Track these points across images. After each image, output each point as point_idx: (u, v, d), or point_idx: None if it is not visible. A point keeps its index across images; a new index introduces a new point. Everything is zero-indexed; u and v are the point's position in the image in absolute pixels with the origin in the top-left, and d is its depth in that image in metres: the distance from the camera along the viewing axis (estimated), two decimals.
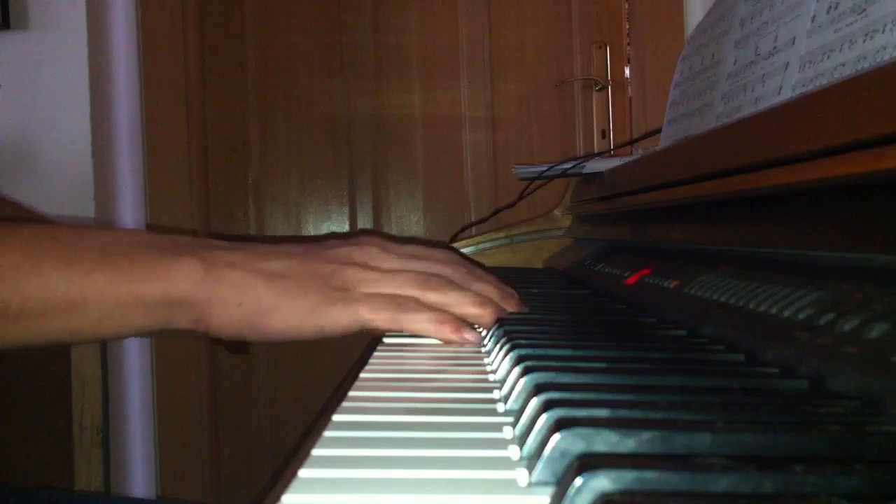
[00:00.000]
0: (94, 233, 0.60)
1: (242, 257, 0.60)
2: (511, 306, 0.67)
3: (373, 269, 0.62)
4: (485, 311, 0.63)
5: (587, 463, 0.26)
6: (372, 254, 0.64)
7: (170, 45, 1.88)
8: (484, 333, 0.62)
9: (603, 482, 0.25)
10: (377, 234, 0.68)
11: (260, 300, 0.58)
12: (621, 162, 1.06)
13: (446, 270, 0.65)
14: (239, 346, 0.67)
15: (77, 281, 0.55)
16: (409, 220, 2.01)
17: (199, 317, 0.58)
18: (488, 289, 0.66)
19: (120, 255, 0.57)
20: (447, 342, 0.60)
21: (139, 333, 0.59)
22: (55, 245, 0.56)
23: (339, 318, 0.59)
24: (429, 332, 0.60)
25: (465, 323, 0.61)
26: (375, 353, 0.56)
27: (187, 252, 0.58)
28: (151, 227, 1.87)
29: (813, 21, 0.68)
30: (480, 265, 0.74)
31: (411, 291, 0.61)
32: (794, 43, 0.71)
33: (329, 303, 0.59)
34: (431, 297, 0.61)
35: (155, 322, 0.58)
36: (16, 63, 1.66)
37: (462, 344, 0.59)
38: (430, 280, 0.62)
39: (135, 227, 1.85)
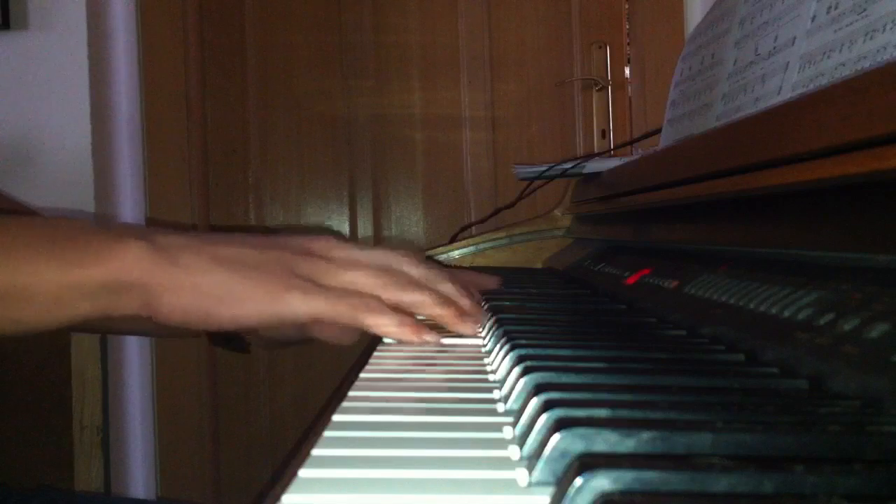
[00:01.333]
0: (38, 221, 0.59)
1: (196, 242, 0.58)
2: (465, 308, 0.64)
3: (331, 260, 0.60)
4: (446, 312, 0.61)
5: (587, 463, 0.26)
6: (331, 246, 0.62)
7: (170, 45, 1.88)
8: (484, 333, 0.62)
9: (603, 482, 0.25)
10: (335, 236, 0.66)
11: (213, 284, 0.56)
12: (621, 162, 1.06)
13: (406, 266, 0.63)
14: (239, 346, 0.66)
15: (20, 268, 0.54)
16: (409, 220, 2.01)
17: (147, 301, 0.55)
18: (450, 289, 0.64)
19: (65, 241, 0.56)
20: (407, 343, 0.59)
21: (86, 321, 0.56)
22: None
23: (297, 306, 0.56)
24: (390, 334, 0.58)
25: (425, 325, 0.60)
26: (375, 353, 0.56)
27: (135, 236, 0.56)
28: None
29: (813, 21, 0.68)
30: (446, 266, 0.73)
31: (372, 288, 0.59)
32: (794, 43, 0.71)
33: (286, 290, 0.56)
34: (394, 295, 0.60)
35: (100, 308, 0.55)
36: (16, 63, 1.67)
37: (421, 344, 0.58)
38: (391, 276, 0.61)
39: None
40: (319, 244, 0.62)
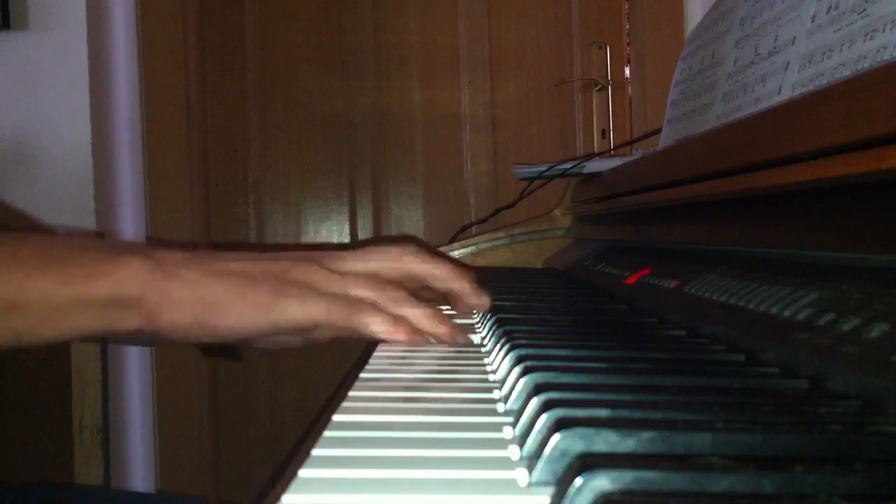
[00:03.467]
0: (36, 237, 0.60)
1: (191, 258, 0.59)
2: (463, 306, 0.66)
3: (326, 268, 0.61)
4: (441, 330, 0.61)
5: (587, 463, 0.26)
6: (325, 255, 0.63)
7: (170, 45, 1.88)
8: (484, 333, 0.62)
9: (603, 482, 0.25)
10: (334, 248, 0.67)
11: (211, 297, 0.57)
12: (621, 162, 1.06)
13: (405, 262, 0.64)
14: (232, 353, 0.66)
15: (18, 283, 0.54)
16: (409, 220, 2.01)
17: (148, 316, 0.56)
18: (449, 278, 0.65)
19: (63, 257, 0.56)
20: (399, 343, 0.59)
21: (87, 335, 0.57)
22: None
23: (293, 312, 0.57)
24: (383, 334, 0.58)
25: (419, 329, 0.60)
26: (375, 353, 0.56)
27: (133, 252, 0.58)
28: (152, 230, 1.87)
29: (813, 21, 0.68)
30: (442, 255, 0.73)
31: (367, 294, 0.60)
32: (794, 43, 0.71)
33: (282, 297, 0.57)
34: (388, 304, 0.60)
35: (102, 323, 0.56)
36: (16, 63, 1.66)
37: (412, 344, 0.59)
38: (385, 290, 0.61)
39: (137, 231, 1.85)
40: (316, 253, 0.63)
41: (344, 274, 0.61)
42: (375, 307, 0.59)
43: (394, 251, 0.65)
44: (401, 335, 0.58)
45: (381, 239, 0.78)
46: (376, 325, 0.58)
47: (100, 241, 0.61)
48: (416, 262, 0.65)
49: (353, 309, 0.58)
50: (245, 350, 0.72)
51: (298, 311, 0.57)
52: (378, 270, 0.63)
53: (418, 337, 0.59)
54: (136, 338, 0.74)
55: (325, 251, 0.65)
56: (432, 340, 0.59)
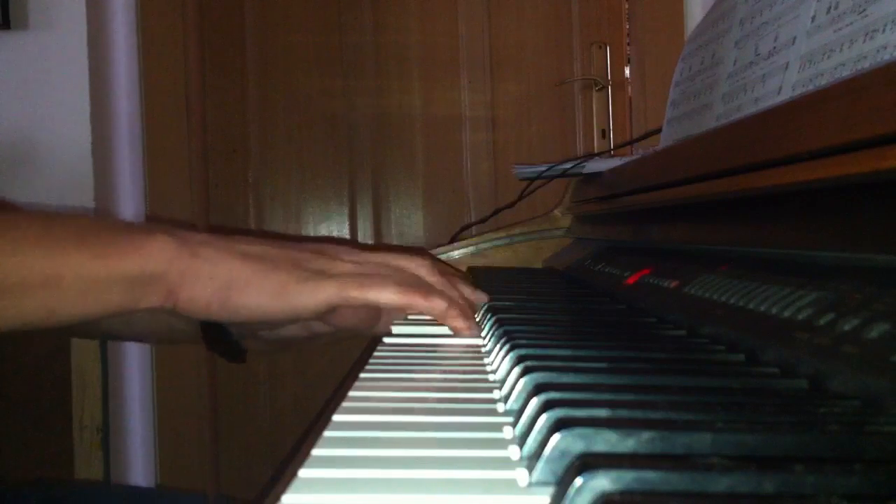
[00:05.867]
0: (68, 216, 0.61)
1: (215, 238, 0.61)
2: (463, 317, 0.64)
3: (345, 260, 0.63)
4: (450, 312, 0.62)
5: (587, 463, 0.26)
6: (342, 248, 0.65)
7: (170, 45, 1.88)
8: (484, 333, 0.62)
9: (603, 482, 0.25)
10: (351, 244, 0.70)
11: (232, 274, 0.58)
12: (621, 162, 1.06)
13: (419, 270, 0.65)
14: (236, 354, 0.66)
15: (54, 258, 0.56)
16: (409, 220, 2.01)
17: (169, 290, 0.58)
18: (459, 292, 0.67)
19: (95, 234, 0.58)
20: (415, 309, 0.60)
21: (116, 312, 0.58)
22: (31, 225, 0.57)
23: (310, 296, 0.59)
24: (395, 302, 0.60)
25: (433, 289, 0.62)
26: (375, 353, 0.56)
27: (160, 231, 0.59)
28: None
29: (813, 21, 0.68)
30: (458, 272, 0.74)
31: (380, 272, 0.62)
32: (794, 43, 0.71)
33: (301, 281, 0.59)
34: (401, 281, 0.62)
35: (130, 298, 0.57)
36: (16, 63, 1.66)
37: (429, 308, 0.60)
38: (397, 273, 0.63)
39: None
40: (333, 246, 0.65)
41: (359, 263, 0.63)
42: (385, 278, 0.61)
43: (407, 257, 0.67)
44: (416, 300, 0.59)
45: (395, 247, 0.79)
46: (388, 293, 0.59)
47: (126, 221, 0.63)
48: (427, 273, 0.66)
49: (365, 280, 0.60)
50: (247, 351, 0.72)
51: (314, 295, 0.59)
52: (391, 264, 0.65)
53: (436, 306, 0.60)
54: (142, 329, 0.75)
55: (341, 246, 0.67)
56: (438, 306, 0.60)
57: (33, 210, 0.62)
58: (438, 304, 0.60)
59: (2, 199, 0.77)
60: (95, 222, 0.61)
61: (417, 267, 0.66)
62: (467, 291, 0.69)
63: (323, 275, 0.60)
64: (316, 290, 0.59)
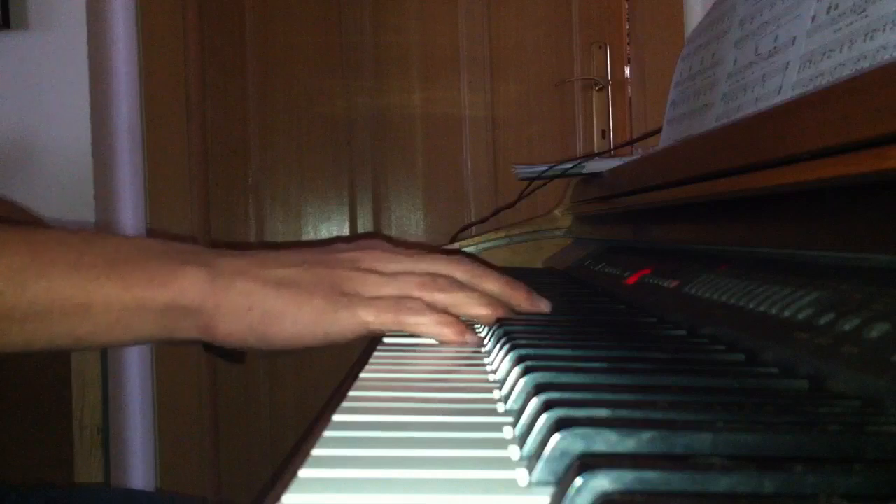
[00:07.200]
0: (101, 239, 0.60)
1: (248, 265, 0.59)
2: (522, 302, 0.66)
3: (378, 272, 0.62)
4: (491, 311, 0.62)
5: (587, 463, 0.26)
6: (377, 257, 0.63)
7: (170, 45, 1.88)
8: (484, 333, 0.62)
9: (603, 482, 0.25)
10: (382, 237, 0.67)
11: (267, 307, 0.58)
12: (621, 162, 1.06)
13: (453, 271, 0.64)
14: (235, 356, 0.66)
15: (84, 285, 0.55)
16: (409, 220, 2.01)
17: (206, 325, 0.57)
18: (496, 288, 0.65)
19: (127, 262, 0.57)
20: (448, 343, 0.59)
21: (146, 341, 0.58)
22: (63, 249, 0.56)
23: (345, 324, 0.58)
24: (431, 333, 0.59)
25: (468, 325, 0.61)
26: (375, 353, 0.56)
27: (193, 260, 0.58)
28: (152, 230, 1.87)
29: (813, 21, 0.68)
30: (491, 265, 0.73)
31: (416, 293, 0.61)
32: (794, 43, 0.71)
33: (334, 310, 0.58)
34: (436, 297, 0.61)
35: (161, 329, 0.57)
36: (16, 63, 1.66)
37: (462, 345, 0.59)
38: (435, 281, 0.62)
39: (136, 231, 1.85)
40: (368, 257, 0.63)
41: (394, 275, 0.62)
42: (422, 306, 0.60)
43: (445, 259, 0.65)
44: (447, 335, 0.59)
45: (436, 249, 0.79)
46: (425, 327, 0.59)
47: (160, 244, 0.62)
48: (466, 275, 0.65)
49: (402, 309, 0.59)
50: (246, 353, 0.72)
51: (349, 323, 0.58)
52: (427, 272, 0.64)
53: (468, 336, 0.59)
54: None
55: (376, 248, 0.65)
56: (471, 340, 0.59)
57: (67, 228, 0.61)
58: (472, 340, 0.59)
59: (11, 202, 0.77)
60: (129, 246, 0.59)
61: (451, 265, 0.64)
62: (521, 299, 0.67)
63: (359, 299, 0.59)
64: (352, 319, 0.58)
